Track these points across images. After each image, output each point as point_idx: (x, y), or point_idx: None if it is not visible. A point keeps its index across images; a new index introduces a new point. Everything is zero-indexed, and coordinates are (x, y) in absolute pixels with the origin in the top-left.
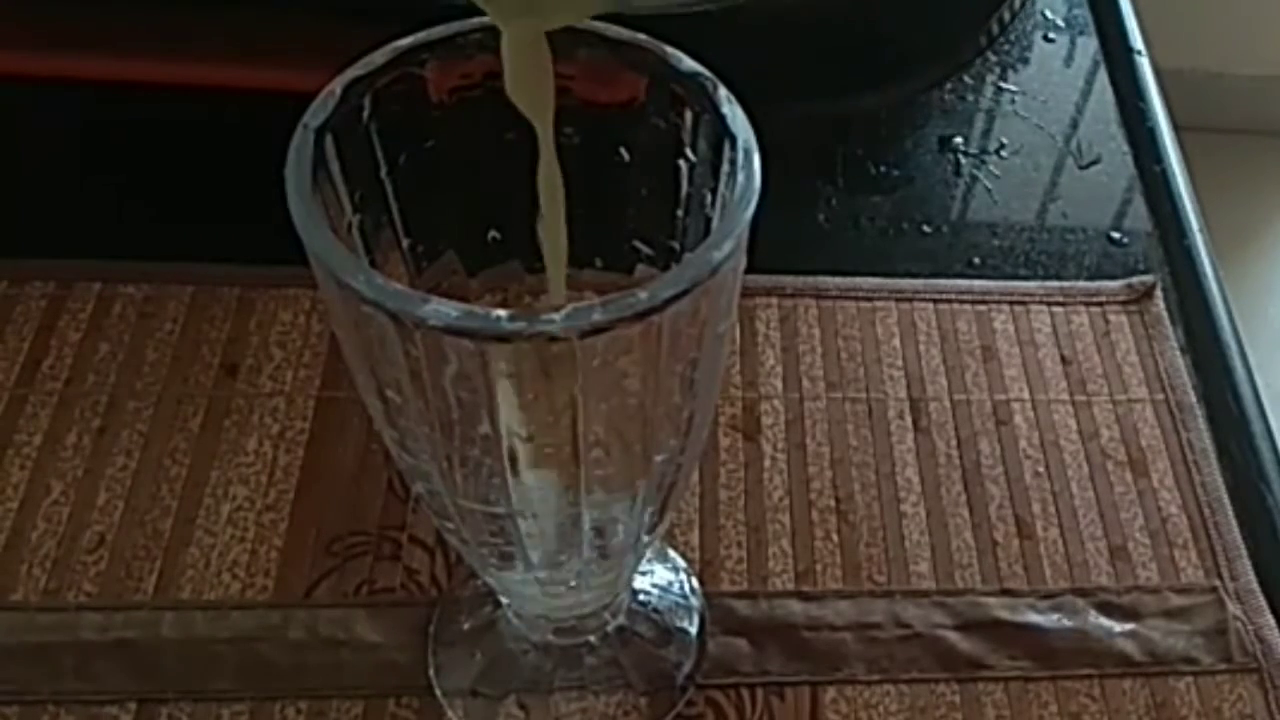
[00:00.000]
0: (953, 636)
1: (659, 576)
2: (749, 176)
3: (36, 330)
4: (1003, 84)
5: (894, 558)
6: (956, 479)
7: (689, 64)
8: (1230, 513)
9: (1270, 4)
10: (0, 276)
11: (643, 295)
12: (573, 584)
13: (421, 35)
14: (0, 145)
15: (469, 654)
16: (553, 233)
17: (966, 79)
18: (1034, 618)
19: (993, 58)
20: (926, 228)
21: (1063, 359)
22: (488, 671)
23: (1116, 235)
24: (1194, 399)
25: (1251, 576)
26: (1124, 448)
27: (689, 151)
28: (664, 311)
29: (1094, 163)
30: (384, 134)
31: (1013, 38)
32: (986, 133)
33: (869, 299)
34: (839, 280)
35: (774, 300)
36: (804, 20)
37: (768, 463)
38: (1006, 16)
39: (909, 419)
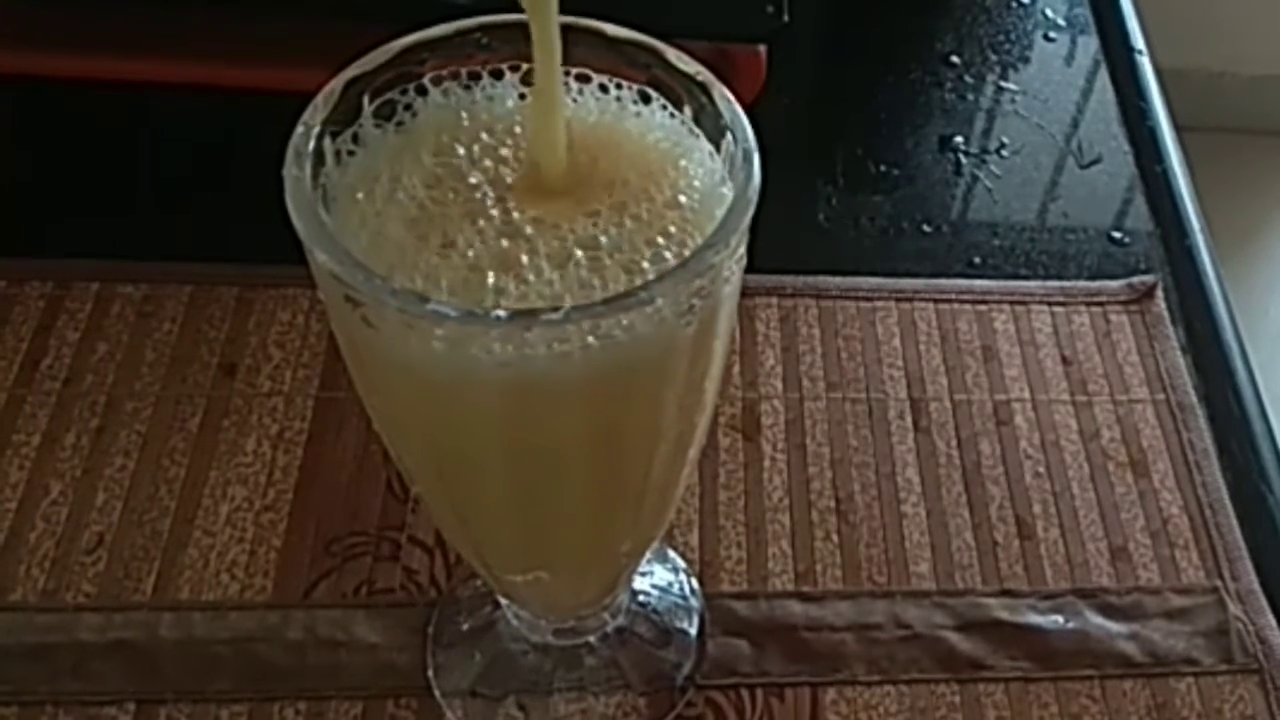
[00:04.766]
0: (953, 637)
1: (659, 577)
2: (749, 176)
3: (35, 330)
4: (1003, 84)
5: (894, 558)
6: (957, 479)
7: (689, 64)
8: (1231, 513)
9: (1270, 4)
10: (0, 276)
11: (643, 294)
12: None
13: (421, 35)
14: (0, 145)
15: (468, 654)
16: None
17: (967, 79)
18: (1034, 618)
19: (993, 57)
20: (926, 228)
21: (1063, 359)
22: (487, 672)
23: (1117, 235)
24: (1194, 399)
25: (1253, 577)
26: (1124, 448)
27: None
28: (664, 310)
29: (1094, 162)
30: None
31: (1013, 37)
32: (986, 133)
33: (869, 299)
34: (839, 280)
35: (774, 300)
36: None
37: (768, 463)
38: None
39: (909, 419)
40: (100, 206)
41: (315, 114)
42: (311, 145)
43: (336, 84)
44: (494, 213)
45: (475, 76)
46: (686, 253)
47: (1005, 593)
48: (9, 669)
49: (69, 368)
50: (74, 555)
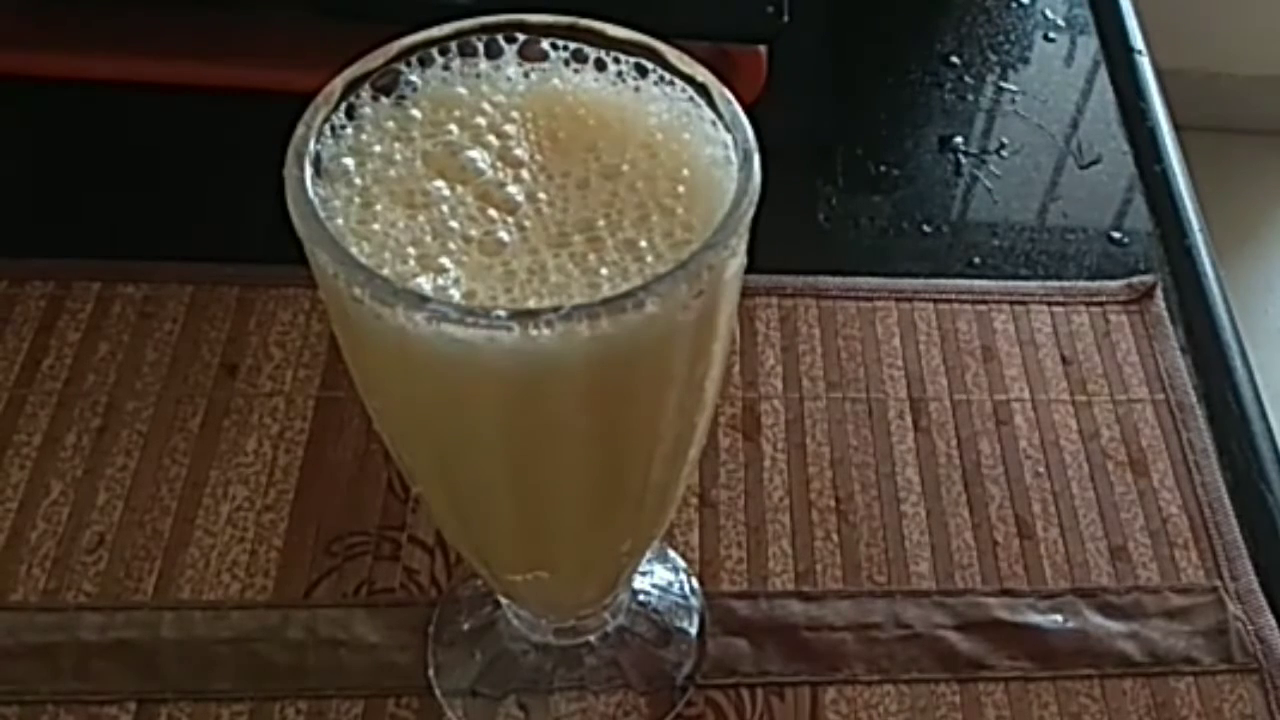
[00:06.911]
0: (953, 637)
1: (659, 576)
2: (749, 176)
3: (36, 330)
4: (1003, 84)
5: (894, 558)
6: (956, 479)
7: (689, 64)
8: (1230, 513)
9: (1270, 4)
10: (0, 276)
11: (642, 294)
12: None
13: (421, 35)
14: (0, 145)
15: (469, 654)
16: None
17: (967, 79)
18: (1034, 618)
19: (993, 57)
20: (926, 228)
21: (1063, 359)
22: (487, 671)
23: (1117, 235)
24: (1194, 399)
25: (1252, 576)
26: (1124, 448)
27: None
28: (664, 311)
29: (1094, 162)
30: None
31: (1013, 37)
32: (986, 133)
33: (869, 299)
34: (839, 280)
35: (774, 300)
36: None
37: (768, 463)
38: None
39: (909, 419)
40: (101, 207)
41: (315, 114)
42: (311, 146)
43: (336, 84)
44: (491, 189)
45: (471, 49)
46: (679, 228)
47: (1005, 592)
48: (10, 669)
49: (70, 368)
50: (75, 555)
